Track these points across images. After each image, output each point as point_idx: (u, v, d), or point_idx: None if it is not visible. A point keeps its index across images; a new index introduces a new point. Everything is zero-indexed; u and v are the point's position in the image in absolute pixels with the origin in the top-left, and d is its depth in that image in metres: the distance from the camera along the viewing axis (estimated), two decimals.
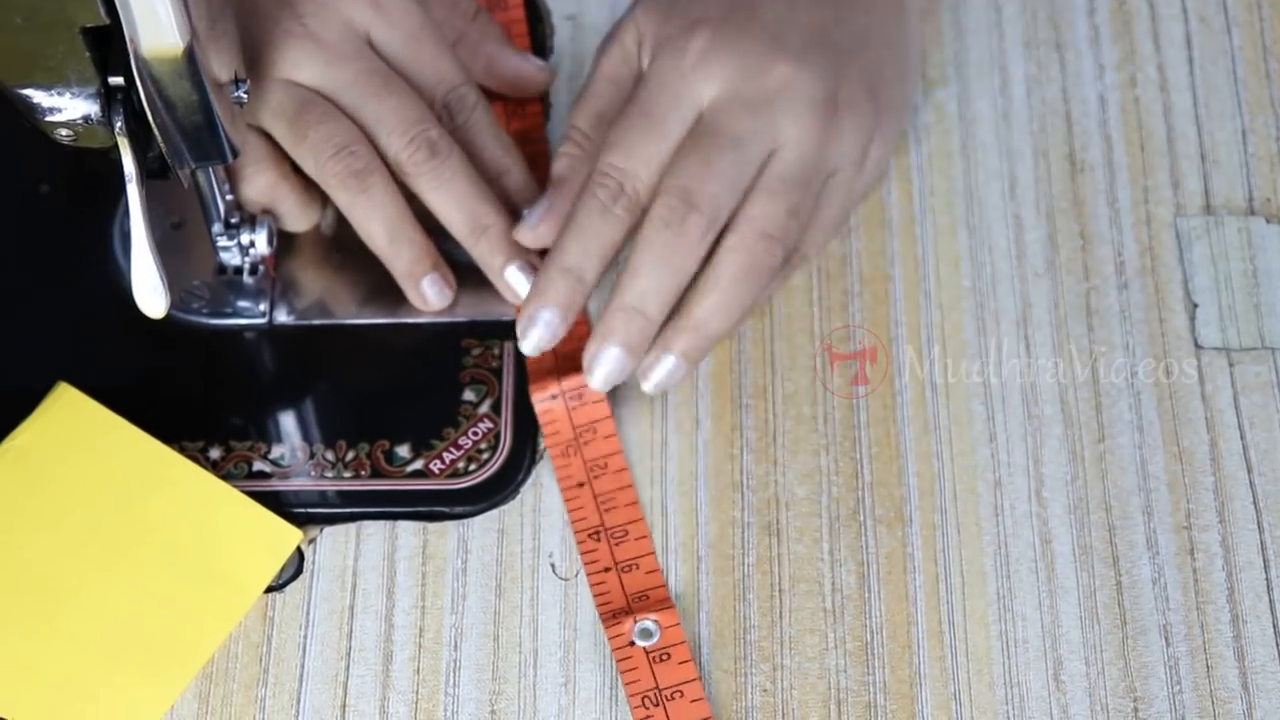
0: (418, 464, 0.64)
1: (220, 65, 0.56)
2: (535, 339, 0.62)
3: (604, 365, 0.62)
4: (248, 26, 0.62)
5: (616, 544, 0.62)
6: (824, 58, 0.63)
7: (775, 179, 0.62)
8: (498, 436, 0.64)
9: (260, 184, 0.65)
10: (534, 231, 0.64)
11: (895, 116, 0.66)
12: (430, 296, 0.65)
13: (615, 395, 0.65)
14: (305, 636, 0.61)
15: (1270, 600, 0.61)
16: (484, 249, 0.64)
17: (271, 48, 0.63)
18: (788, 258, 0.64)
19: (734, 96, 0.62)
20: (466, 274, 0.67)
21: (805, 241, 0.64)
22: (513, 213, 0.65)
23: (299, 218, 0.66)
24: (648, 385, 0.63)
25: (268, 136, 0.64)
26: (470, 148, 0.65)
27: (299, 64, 0.63)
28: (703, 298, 0.62)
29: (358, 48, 0.64)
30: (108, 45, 0.53)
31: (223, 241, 0.65)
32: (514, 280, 0.64)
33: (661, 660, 0.59)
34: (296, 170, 0.65)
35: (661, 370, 0.63)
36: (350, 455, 0.64)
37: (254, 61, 0.62)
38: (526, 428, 0.65)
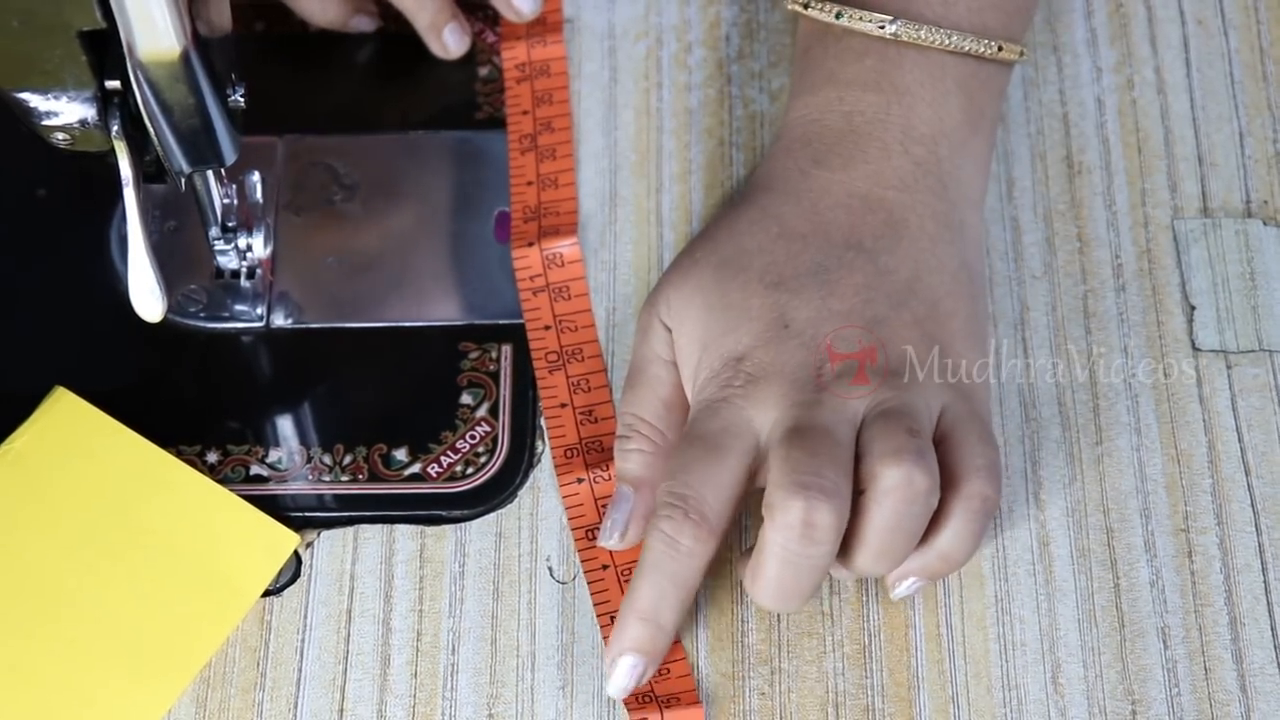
0: (415, 467, 0.64)
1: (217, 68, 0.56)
2: (621, 684, 0.59)
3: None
4: None
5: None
6: (869, 336, 0.60)
7: (872, 423, 0.58)
8: (495, 440, 0.64)
9: None
10: (619, 538, 0.61)
11: (974, 344, 0.62)
12: (451, 45, 0.71)
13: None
14: (303, 640, 0.61)
15: (1268, 603, 0.61)
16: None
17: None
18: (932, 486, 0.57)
19: (797, 410, 0.58)
20: (463, 278, 0.67)
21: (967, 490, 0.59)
22: None
23: (324, 7, 0.71)
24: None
25: None
26: None
27: None
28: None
29: None
30: (104, 49, 0.53)
31: (220, 245, 0.65)
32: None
33: (662, 675, 0.60)
34: None
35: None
36: (348, 459, 0.64)
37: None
38: (524, 431, 0.64)
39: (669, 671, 0.60)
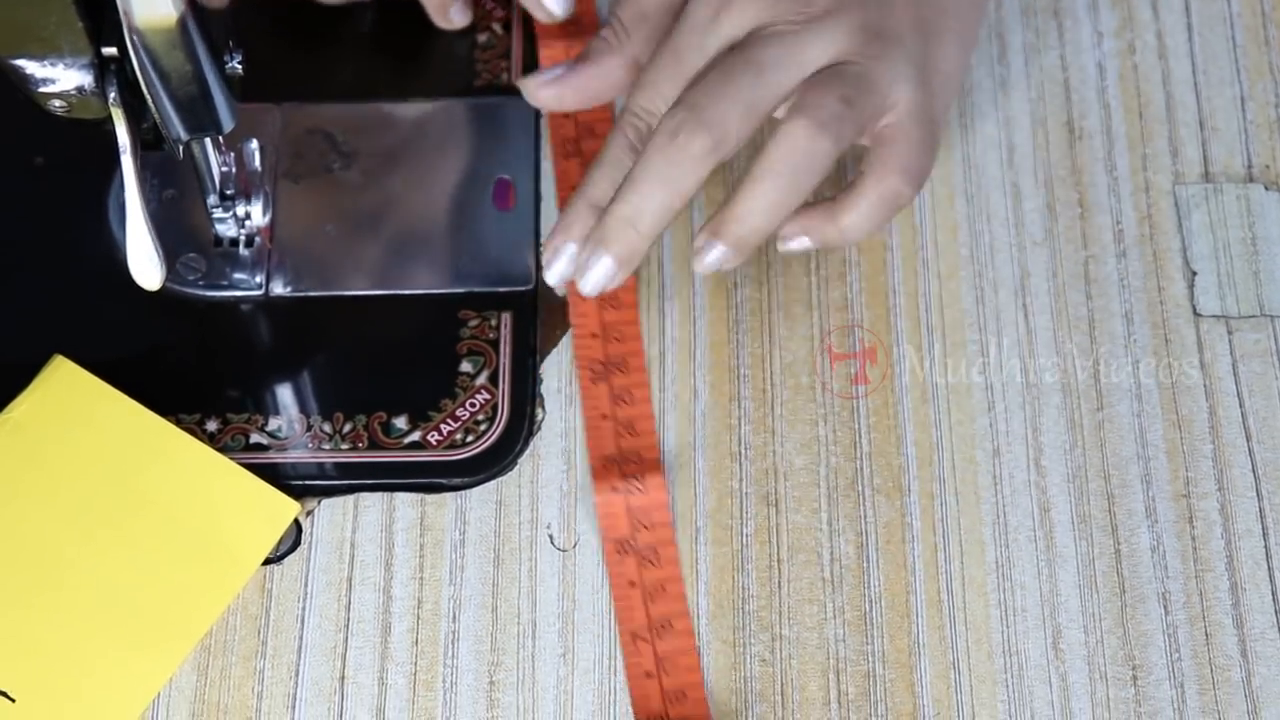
0: (415, 435, 0.64)
1: (214, 35, 0.56)
2: (562, 271, 0.62)
3: (596, 272, 0.61)
4: None
5: (659, 638, 0.61)
6: None
7: (822, 76, 0.60)
8: (495, 408, 0.64)
9: None
10: (542, 90, 0.64)
11: (955, 51, 0.64)
12: (456, 18, 0.70)
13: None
14: (303, 608, 0.61)
15: (1269, 568, 0.61)
16: None
17: None
18: (840, 152, 0.60)
19: (765, 28, 0.60)
20: (462, 246, 0.67)
21: (892, 168, 0.61)
22: None
23: None
24: (700, 266, 0.61)
25: None
26: None
27: None
28: (745, 188, 0.60)
29: None
30: (101, 15, 0.53)
31: (218, 213, 0.65)
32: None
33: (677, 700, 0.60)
34: None
35: (711, 258, 0.61)
36: (347, 427, 0.64)
37: None
38: (524, 399, 0.64)
39: (685, 696, 0.60)
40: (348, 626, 0.61)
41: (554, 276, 0.62)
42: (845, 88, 0.59)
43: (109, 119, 0.55)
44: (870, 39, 0.60)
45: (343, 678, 0.60)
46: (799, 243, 0.62)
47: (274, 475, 0.63)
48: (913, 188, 0.61)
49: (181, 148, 0.59)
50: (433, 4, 0.69)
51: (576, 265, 0.61)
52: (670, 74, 0.61)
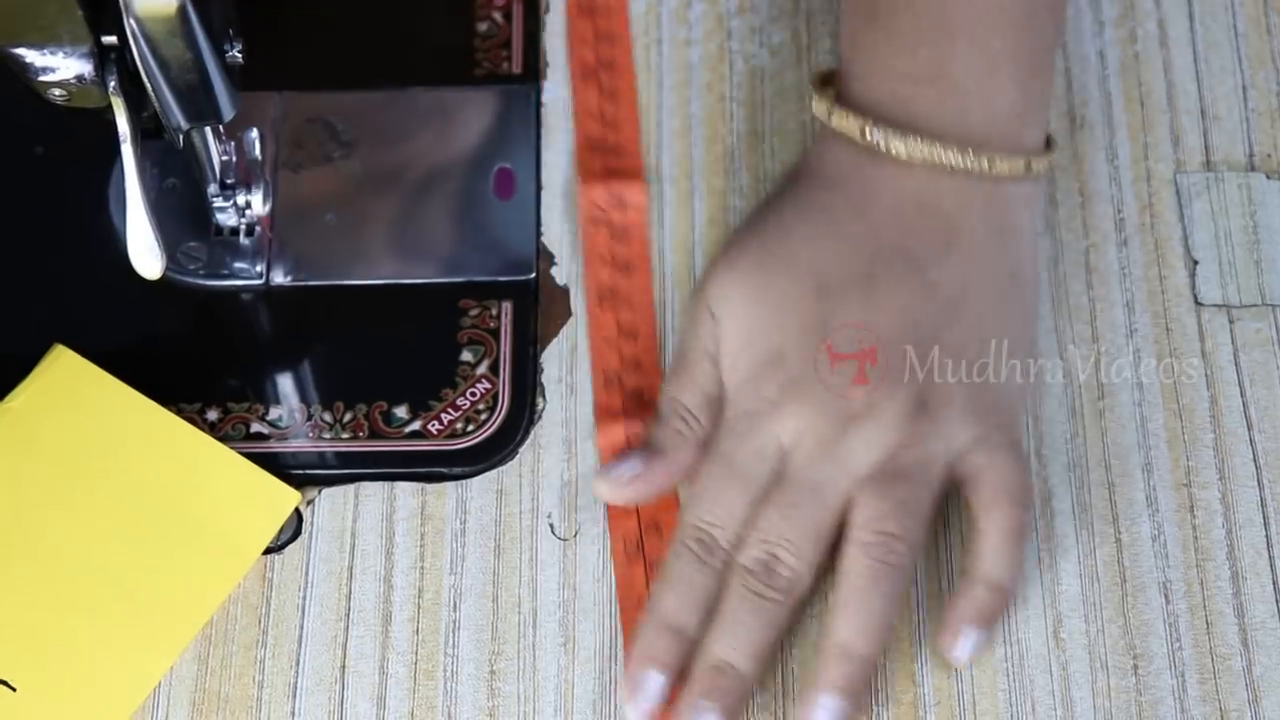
0: (416, 425, 0.64)
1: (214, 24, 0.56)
2: (642, 707, 0.58)
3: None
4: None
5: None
6: (902, 360, 0.60)
7: (872, 484, 0.59)
8: (496, 397, 0.64)
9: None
10: (622, 491, 0.61)
11: (1011, 371, 0.61)
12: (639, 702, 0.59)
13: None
14: (304, 598, 0.61)
15: (1270, 557, 0.61)
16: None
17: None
18: (912, 553, 0.59)
19: (812, 437, 0.59)
20: (463, 235, 0.67)
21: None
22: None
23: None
24: None
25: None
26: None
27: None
28: (838, 622, 0.58)
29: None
30: (100, 4, 0.53)
31: (219, 202, 0.65)
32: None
33: None
34: None
35: (823, 714, 0.58)
36: (348, 416, 0.64)
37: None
38: (525, 388, 0.64)
39: None
40: (348, 616, 0.61)
41: (636, 713, 0.58)
42: (896, 491, 0.59)
43: (109, 108, 0.55)
44: (915, 419, 0.59)
45: (344, 667, 0.60)
46: (969, 641, 0.59)
47: (274, 464, 0.63)
48: (1027, 510, 0.60)
49: (181, 137, 0.59)
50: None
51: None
52: (726, 484, 0.60)
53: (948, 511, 0.62)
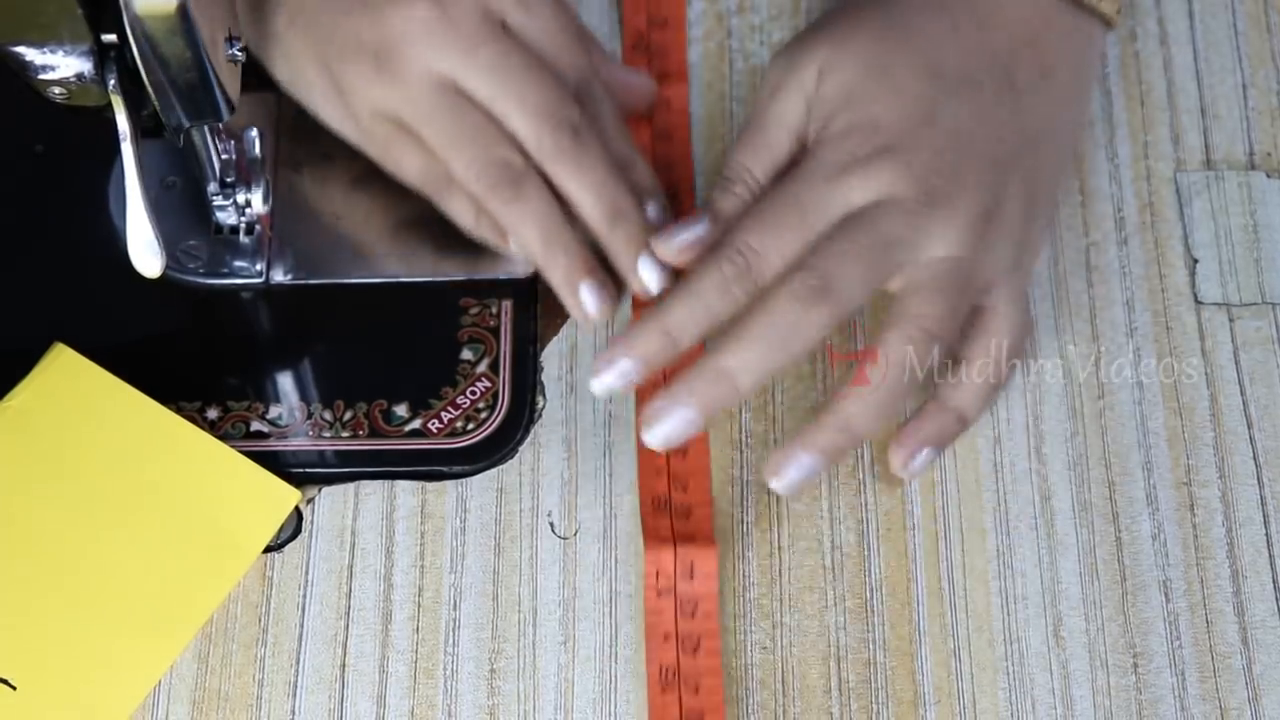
0: (416, 423, 0.64)
1: (214, 22, 0.56)
2: (608, 384, 0.59)
3: (670, 424, 0.59)
4: (380, 11, 0.60)
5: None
6: (989, 173, 0.60)
7: (934, 279, 0.59)
8: (496, 395, 0.64)
9: (439, 172, 0.62)
10: (676, 251, 0.61)
11: (1046, 221, 0.64)
12: (589, 304, 0.61)
13: None
14: (304, 596, 0.61)
15: (1270, 555, 0.61)
16: (619, 238, 0.61)
17: (402, 35, 0.61)
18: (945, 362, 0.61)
19: (891, 203, 0.59)
20: (464, 233, 0.67)
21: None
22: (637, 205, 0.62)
23: (469, 211, 0.64)
24: (781, 484, 0.59)
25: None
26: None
27: (436, 54, 0.60)
28: (854, 395, 0.59)
29: (495, 32, 0.61)
30: (100, 2, 0.53)
31: (218, 201, 0.65)
32: (647, 274, 0.61)
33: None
34: None
35: (798, 469, 0.59)
36: (348, 415, 0.64)
37: (384, 50, 0.61)
38: (525, 387, 0.64)
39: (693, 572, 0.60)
40: (349, 614, 0.61)
41: (599, 386, 0.59)
42: (951, 298, 0.59)
43: (109, 106, 0.55)
44: (982, 229, 0.60)
45: (344, 665, 0.60)
46: (923, 458, 0.61)
47: (275, 463, 0.63)
48: (1013, 368, 0.62)
49: (182, 135, 0.59)
50: (558, 280, 0.62)
51: (650, 410, 0.59)
52: (791, 223, 0.59)
53: (945, 502, 0.62)
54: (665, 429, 0.59)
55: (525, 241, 0.61)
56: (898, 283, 0.60)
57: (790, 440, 0.59)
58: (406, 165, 0.63)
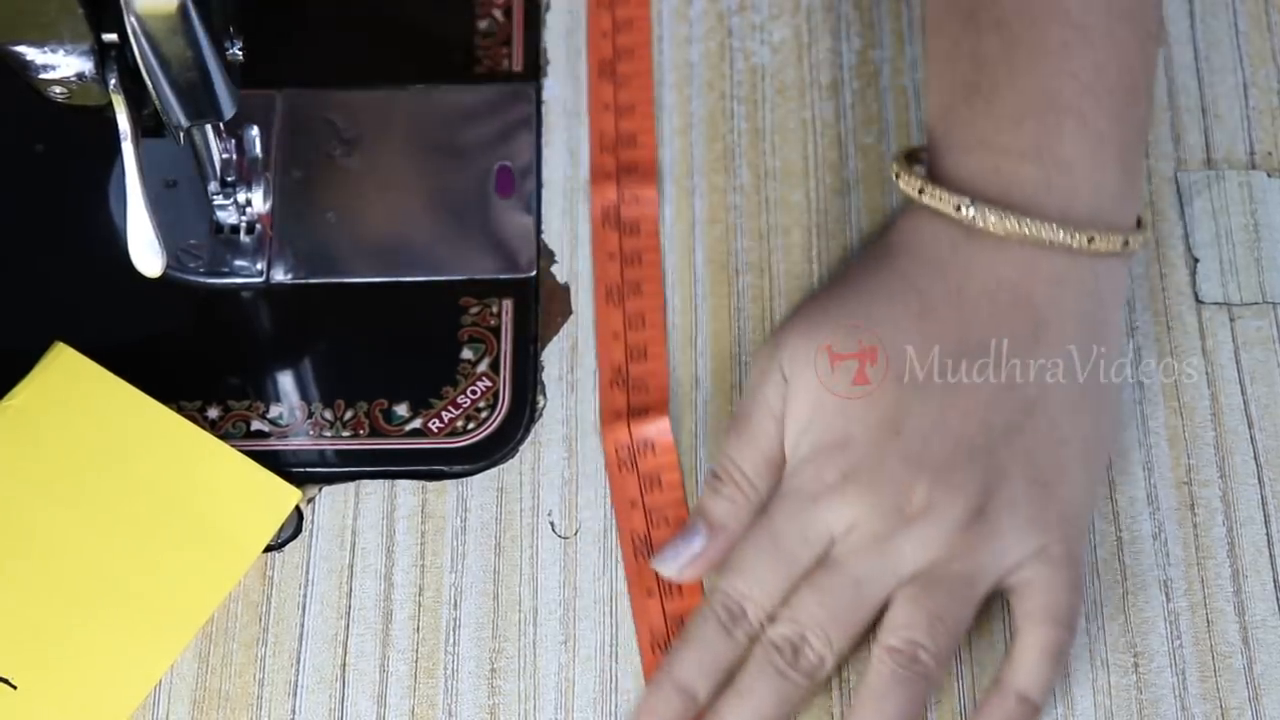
0: (416, 423, 0.64)
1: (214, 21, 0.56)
2: None
3: None
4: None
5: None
6: (972, 467, 0.58)
7: (913, 589, 0.58)
8: (496, 395, 0.64)
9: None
10: (679, 570, 0.60)
11: (1080, 480, 0.59)
12: None
13: None
14: (305, 595, 0.61)
15: (1271, 555, 0.61)
16: None
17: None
18: (939, 666, 0.58)
19: (865, 531, 0.58)
20: (464, 233, 0.67)
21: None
22: None
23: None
24: None
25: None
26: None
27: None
28: (856, 717, 0.58)
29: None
30: (101, 1, 0.53)
31: (219, 200, 0.65)
32: None
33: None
34: None
35: None
36: (349, 414, 0.64)
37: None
38: (525, 386, 0.64)
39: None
40: (349, 614, 0.61)
41: None
42: (935, 602, 0.57)
43: (109, 106, 0.55)
44: (970, 528, 0.58)
45: (344, 665, 0.60)
46: None
47: (275, 462, 0.63)
48: (1070, 631, 0.58)
49: (182, 134, 0.59)
50: None
51: None
52: (769, 561, 0.59)
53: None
54: None
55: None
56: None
57: None
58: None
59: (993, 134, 0.61)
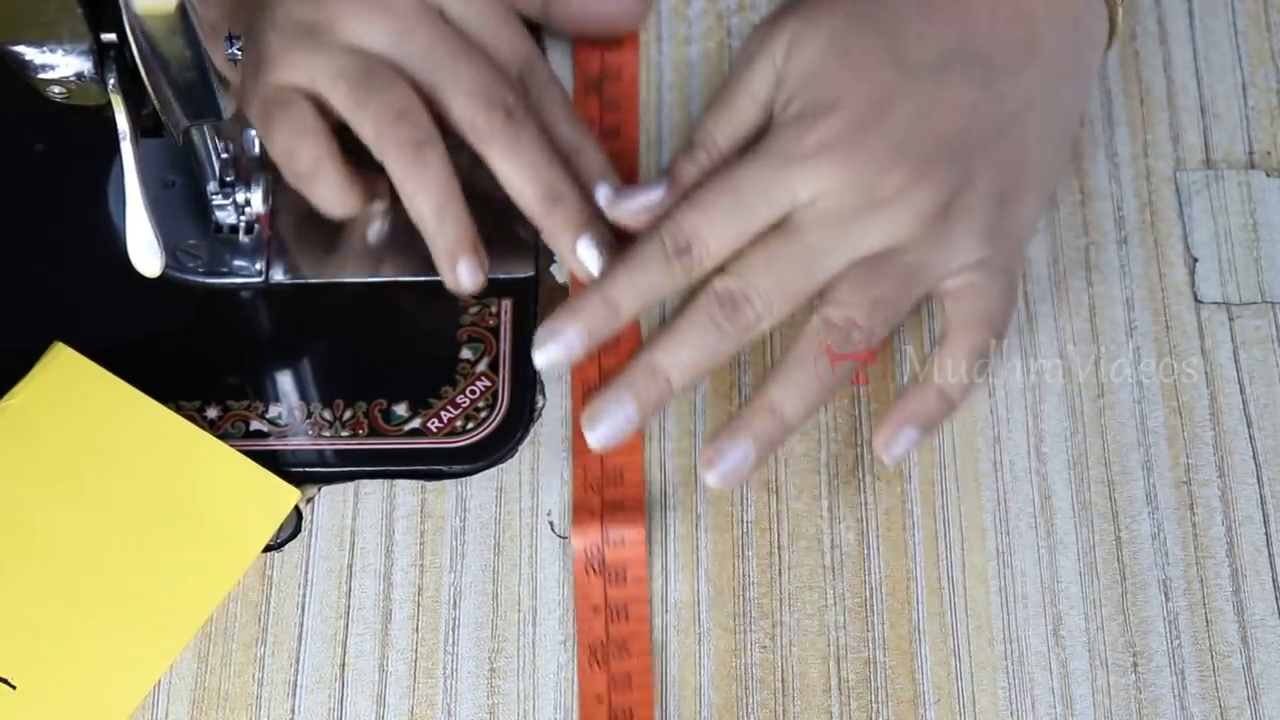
0: (415, 423, 0.64)
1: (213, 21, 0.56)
2: (551, 355, 0.60)
3: (612, 421, 0.59)
4: None
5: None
6: (948, 164, 0.60)
7: (863, 271, 0.59)
8: (495, 395, 0.64)
9: (306, 158, 0.61)
10: (630, 214, 0.62)
11: (1033, 202, 0.62)
12: (464, 279, 0.62)
13: None
14: (304, 595, 0.61)
15: (1269, 554, 0.61)
16: (556, 221, 0.62)
17: (338, 14, 0.61)
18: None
19: (832, 203, 0.59)
20: None
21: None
22: (584, 190, 0.63)
23: (336, 200, 0.62)
24: (714, 476, 0.59)
25: (317, 106, 0.62)
26: (543, 123, 0.63)
27: (368, 31, 0.61)
28: (773, 381, 0.59)
29: (430, 17, 0.62)
30: (100, 1, 0.53)
31: (218, 200, 0.65)
32: (586, 256, 0.62)
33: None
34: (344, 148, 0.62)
35: (733, 457, 0.59)
36: (348, 414, 0.64)
37: (317, 27, 0.61)
38: (524, 386, 0.64)
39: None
40: (348, 614, 0.61)
41: (543, 358, 0.60)
42: (878, 287, 0.59)
43: (108, 106, 0.55)
44: (932, 223, 0.60)
45: (343, 665, 0.60)
46: (905, 438, 0.60)
47: (274, 462, 0.63)
48: (998, 338, 0.61)
49: (181, 134, 0.59)
50: (441, 250, 0.62)
51: (591, 410, 0.60)
52: (726, 205, 0.59)
53: (943, 507, 0.62)
54: (606, 428, 0.59)
55: (418, 207, 0.61)
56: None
57: (720, 430, 0.60)
58: (281, 141, 0.62)
59: None
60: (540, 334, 0.60)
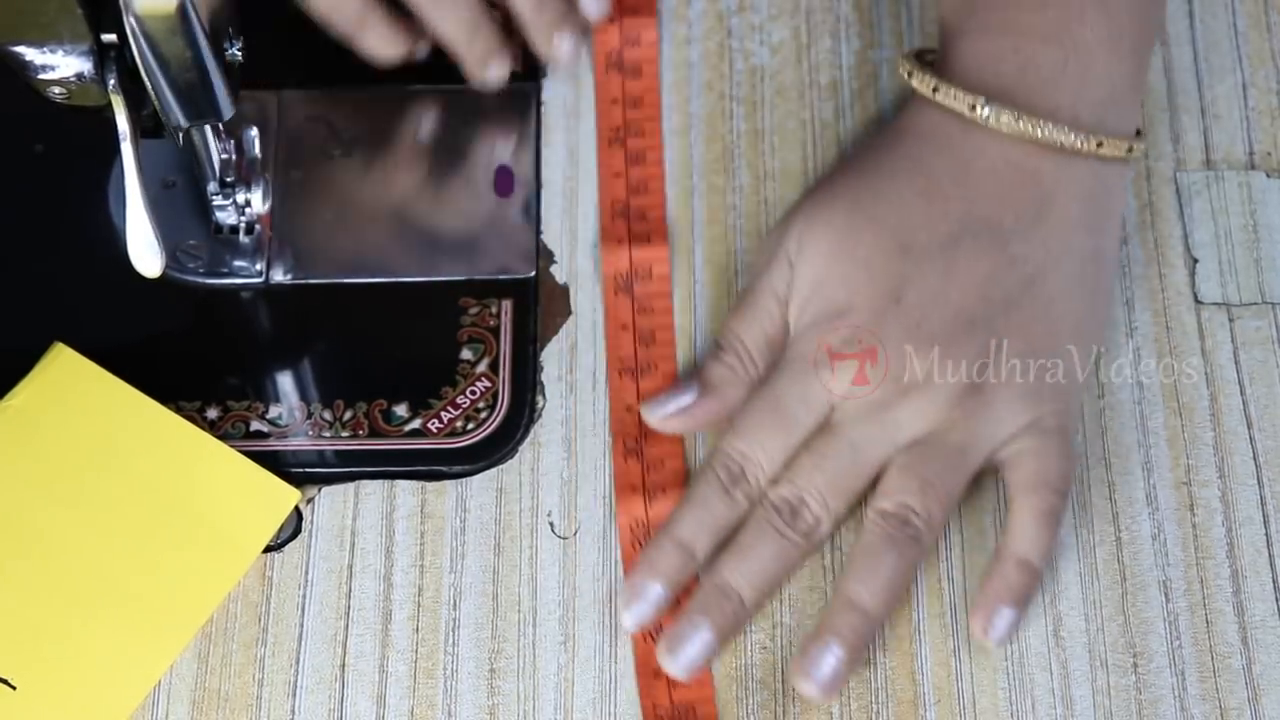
0: (416, 423, 0.64)
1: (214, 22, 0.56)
2: (639, 615, 0.60)
3: (690, 649, 0.59)
4: None
5: None
6: (970, 336, 0.60)
7: (911, 458, 0.60)
8: (496, 395, 0.64)
9: (352, 9, 0.65)
10: (670, 422, 0.62)
11: (1075, 355, 0.61)
12: (493, 79, 0.68)
13: None
14: (304, 596, 0.61)
15: (1270, 555, 0.61)
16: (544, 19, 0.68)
17: None
18: (930, 531, 0.60)
19: (864, 398, 0.60)
20: (463, 233, 0.67)
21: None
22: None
23: (386, 47, 0.67)
24: (812, 687, 0.58)
25: None
26: None
27: None
28: (850, 575, 0.59)
29: None
30: (100, 2, 0.53)
31: (218, 201, 0.65)
32: (561, 45, 0.68)
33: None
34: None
35: (828, 663, 0.58)
36: (348, 415, 0.64)
37: None
38: (524, 387, 0.64)
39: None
40: (348, 614, 0.61)
41: (632, 620, 0.60)
42: (926, 470, 0.59)
43: (108, 106, 0.55)
44: (966, 398, 0.60)
45: (343, 665, 0.60)
46: (1004, 620, 0.59)
47: (274, 463, 0.63)
48: (1063, 496, 0.60)
49: (181, 135, 0.59)
50: (473, 61, 0.67)
51: (670, 636, 0.59)
52: (769, 423, 0.60)
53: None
54: (686, 657, 0.59)
55: (446, 30, 0.66)
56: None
57: (808, 638, 0.59)
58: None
59: (1015, 15, 0.62)
60: (625, 596, 0.60)
